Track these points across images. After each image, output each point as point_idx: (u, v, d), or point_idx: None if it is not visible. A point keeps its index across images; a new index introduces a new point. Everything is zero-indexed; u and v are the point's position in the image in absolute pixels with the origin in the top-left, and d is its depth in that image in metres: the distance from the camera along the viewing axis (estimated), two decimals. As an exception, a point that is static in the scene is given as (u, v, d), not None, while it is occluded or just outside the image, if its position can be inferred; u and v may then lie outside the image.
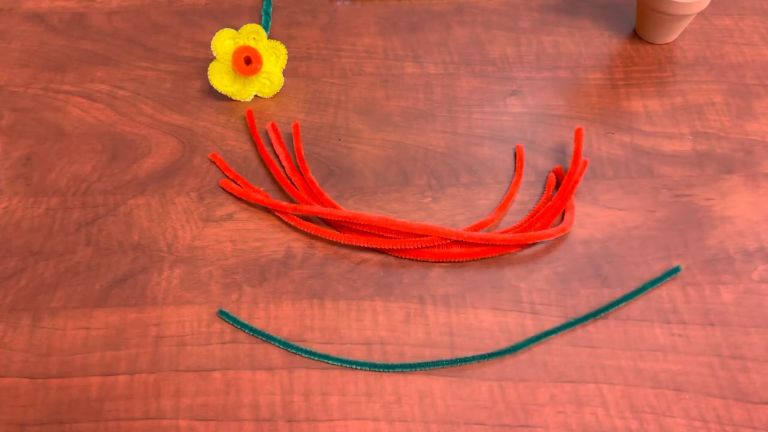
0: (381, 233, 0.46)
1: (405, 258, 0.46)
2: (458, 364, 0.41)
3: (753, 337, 0.42)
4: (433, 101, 0.54)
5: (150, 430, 0.39)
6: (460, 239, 0.45)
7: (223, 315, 0.43)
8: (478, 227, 0.47)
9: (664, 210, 0.48)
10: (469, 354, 0.42)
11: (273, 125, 0.52)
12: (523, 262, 0.46)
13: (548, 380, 0.41)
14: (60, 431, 0.39)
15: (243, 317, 0.43)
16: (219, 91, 0.53)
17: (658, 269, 0.45)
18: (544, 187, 0.49)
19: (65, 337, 0.42)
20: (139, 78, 0.55)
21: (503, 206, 0.48)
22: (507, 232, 0.46)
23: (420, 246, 0.45)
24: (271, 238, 0.46)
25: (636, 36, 0.59)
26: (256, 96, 0.54)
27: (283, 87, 0.55)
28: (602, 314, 0.43)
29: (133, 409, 0.39)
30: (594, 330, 0.43)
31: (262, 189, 0.49)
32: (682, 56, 0.57)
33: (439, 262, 0.46)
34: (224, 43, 0.52)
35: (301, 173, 0.50)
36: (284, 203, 0.47)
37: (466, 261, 0.46)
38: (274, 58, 0.53)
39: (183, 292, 0.44)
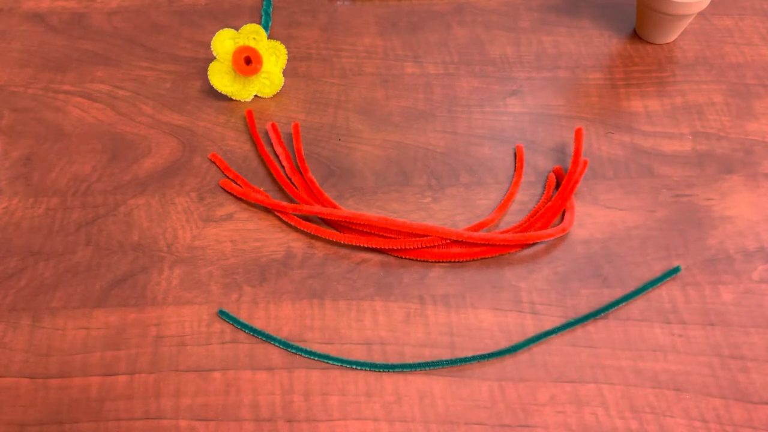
0: (381, 233, 0.46)
1: (405, 258, 0.46)
2: (458, 364, 0.41)
3: (753, 337, 0.42)
4: (433, 101, 0.54)
5: (150, 430, 0.39)
6: (460, 239, 0.45)
7: (223, 315, 0.43)
8: (478, 227, 0.47)
9: (664, 210, 0.48)
10: (469, 354, 0.42)
11: (273, 125, 0.52)
12: (523, 262, 0.46)
13: (548, 380, 0.41)
14: (60, 431, 0.39)
15: (243, 317, 0.43)
16: (219, 91, 0.53)
17: (658, 269, 0.45)
18: (544, 187, 0.49)
19: (65, 337, 0.42)
20: (139, 78, 0.55)
21: (503, 206, 0.48)
22: (507, 232, 0.46)
23: (420, 246, 0.45)
24: (271, 238, 0.46)
25: (636, 36, 0.59)
26: (256, 96, 0.54)
27: (283, 87, 0.55)
28: (602, 314, 0.43)
29: (133, 409, 0.39)
30: (594, 330, 0.43)
31: (262, 189, 0.49)
32: (682, 56, 0.57)
33: (439, 262, 0.45)
34: (224, 43, 0.52)
35: (301, 173, 0.50)
36: (284, 203, 0.47)
37: (466, 261, 0.46)
38: (274, 58, 0.53)
39: (183, 292, 0.44)
